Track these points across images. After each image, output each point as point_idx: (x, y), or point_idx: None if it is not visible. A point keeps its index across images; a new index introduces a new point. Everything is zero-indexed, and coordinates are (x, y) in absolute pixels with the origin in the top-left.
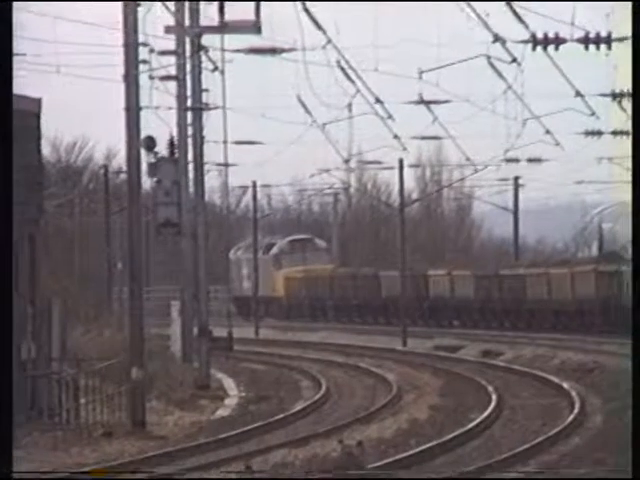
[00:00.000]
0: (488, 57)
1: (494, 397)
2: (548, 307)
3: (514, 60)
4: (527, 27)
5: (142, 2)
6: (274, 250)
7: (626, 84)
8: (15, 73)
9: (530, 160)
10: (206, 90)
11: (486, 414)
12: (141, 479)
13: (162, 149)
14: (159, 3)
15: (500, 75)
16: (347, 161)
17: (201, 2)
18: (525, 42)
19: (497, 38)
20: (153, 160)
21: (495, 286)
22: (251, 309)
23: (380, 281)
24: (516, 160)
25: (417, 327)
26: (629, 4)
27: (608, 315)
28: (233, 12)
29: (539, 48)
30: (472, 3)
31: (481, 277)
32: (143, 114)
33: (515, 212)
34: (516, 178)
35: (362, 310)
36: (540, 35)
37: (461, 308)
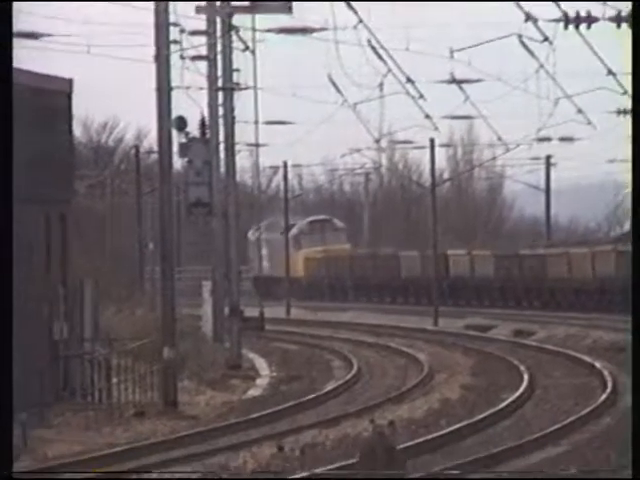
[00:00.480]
0: (520, 36)
1: (526, 377)
2: (569, 286)
3: (546, 39)
4: (559, 6)
5: None
6: (293, 231)
7: None
8: (46, 54)
9: (562, 139)
10: (237, 70)
11: (518, 394)
12: (142, 479)
13: (193, 129)
14: None
15: (532, 54)
16: (378, 141)
17: None
18: (557, 21)
19: (529, 17)
20: (184, 140)
21: (515, 266)
22: (270, 288)
23: (400, 261)
24: (548, 139)
25: (442, 306)
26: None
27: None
28: None
29: (571, 27)
30: None
31: (501, 257)
32: (174, 94)
33: (547, 191)
34: (548, 157)
35: (382, 290)
36: (572, 14)
37: (481, 287)
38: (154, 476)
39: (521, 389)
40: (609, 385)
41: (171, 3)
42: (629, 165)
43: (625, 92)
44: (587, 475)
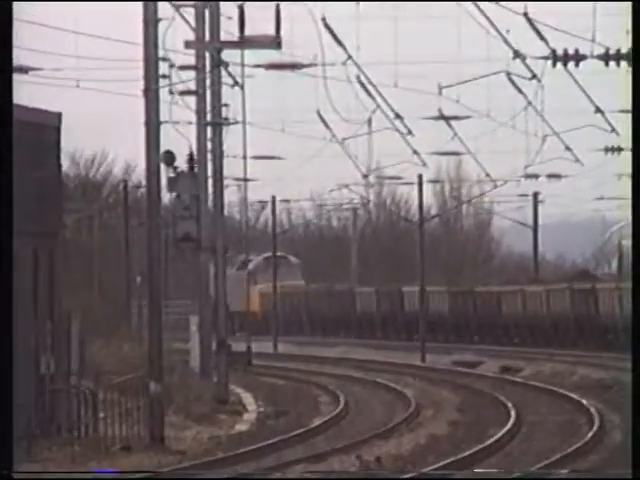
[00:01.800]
0: (508, 73)
1: (513, 413)
2: (522, 322)
3: (534, 76)
4: (547, 43)
5: (163, 18)
6: (250, 267)
7: None
8: (35, 87)
9: (550, 176)
10: (226, 105)
11: (505, 430)
12: (142, 479)
13: (182, 164)
14: (179, 18)
15: (520, 91)
16: (366, 176)
17: (221, 18)
18: (545, 58)
19: (517, 54)
20: (172, 174)
21: (470, 302)
22: (233, 323)
23: (355, 297)
24: (536, 176)
25: (396, 341)
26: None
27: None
28: (253, 27)
29: (559, 64)
30: (492, 19)
31: (455, 293)
32: (163, 129)
33: (534, 228)
34: (535, 194)
35: (337, 325)
36: (560, 51)
37: (435, 323)
38: (155, 476)
39: (508, 425)
40: (596, 422)
41: (160, 38)
42: (617, 202)
43: (613, 130)
44: (587, 475)
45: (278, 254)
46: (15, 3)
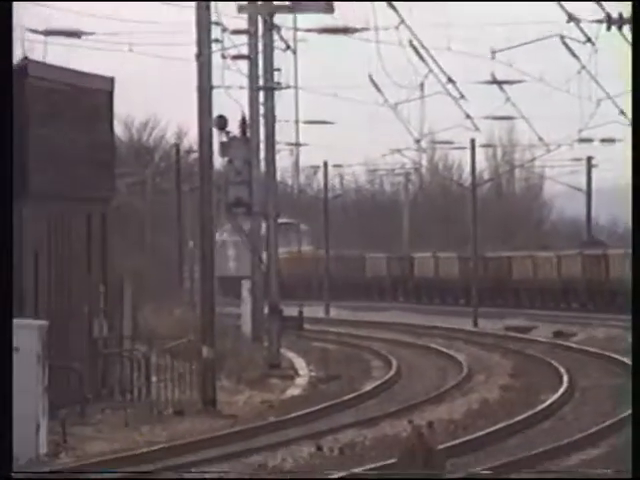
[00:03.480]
0: (562, 37)
1: (565, 378)
2: (532, 286)
3: (588, 40)
4: (602, 7)
5: None
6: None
7: None
8: (88, 52)
9: (604, 140)
10: (278, 69)
11: (557, 396)
12: (143, 479)
13: (234, 128)
14: None
15: (574, 55)
16: (419, 141)
17: None
18: (599, 22)
19: (571, 18)
20: (225, 139)
21: (480, 267)
22: (236, 287)
23: (365, 262)
24: (589, 140)
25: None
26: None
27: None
28: None
29: (614, 28)
30: None
31: (464, 259)
32: (215, 93)
33: (588, 193)
34: (589, 158)
35: (349, 289)
36: (615, 15)
37: (445, 288)
38: (160, 476)
39: (560, 391)
40: None
41: (213, 2)
42: None
43: None
44: (587, 475)
45: (288, 221)
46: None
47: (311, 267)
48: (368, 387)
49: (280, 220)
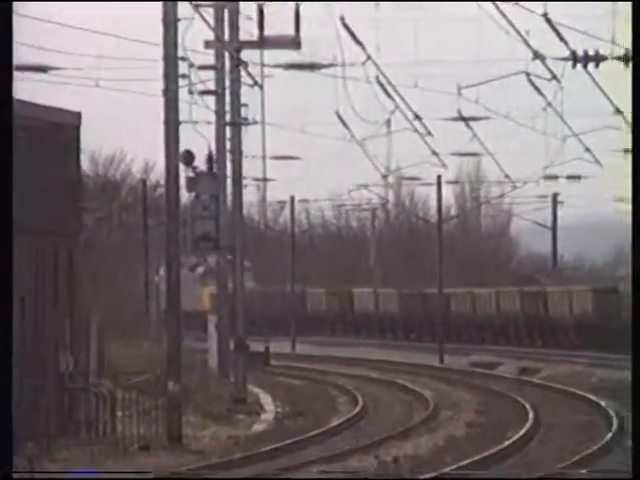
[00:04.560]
0: (528, 74)
1: (531, 415)
2: (472, 322)
3: (554, 77)
4: (567, 44)
5: (182, 18)
6: (200, 269)
7: None
8: (55, 87)
9: (569, 177)
10: (245, 105)
11: (523, 432)
12: (145, 479)
13: (201, 163)
14: (198, 18)
15: (540, 92)
16: (385, 177)
17: (240, 18)
18: (565, 59)
19: (537, 55)
20: (192, 174)
21: (418, 303)
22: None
23: (305, 297)
24: (555, 177)
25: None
26: (629, 4)
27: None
28: (272, 27)
29: (579, 66)
30: (512, 20)
31: (404, 295)
32: (182, 128)
33: (553, 229)
34: (555, 195)
35: (286, 324)
36: (580, 53)
37: (385, 323)
38: (157, 476)
39: (526, 427)
40: (614, 423)
41: (179, 37)
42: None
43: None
44: (587, 475)
45: (230, 257)
46: (19, 3)
47: (250, 303)
48: (334, 423)
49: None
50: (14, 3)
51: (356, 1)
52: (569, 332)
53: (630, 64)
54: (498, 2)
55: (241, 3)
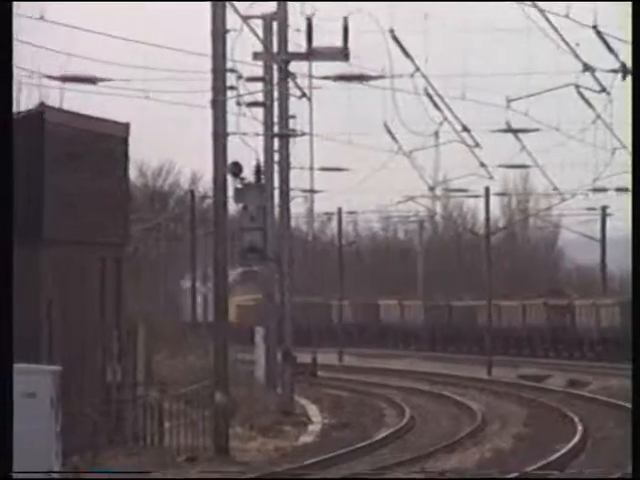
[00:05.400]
0: (577, 86)
1: (580, 428)
2: (498, 333)
3: (603, 89)
4: (617, 56)
5: (231, 29)
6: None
7: None
8: (104, 98)
9: (618, 189)
10: (293, 116)
11: (571, 445)
12: (142, 479)
13: (249, 175)
14: (247, 30)
15: (589, 104)
16: (433, 189)
17: (289, 29)
18: (615, 71)
19: (587, 67)
20: (239, 186)
21: (445, 314)
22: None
23: (332, 309)
24: (604, 189)
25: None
26: (629, 4)
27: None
28: (321, 39)
29: (629, 77)
30: (562, 32)
31: (430, 306)
32: (230, 140)
33: (602, 242)
34: (604, 207)
35: (313, 333)
36: (630, 64)
37: (410, 333)
38: (159, 476)
39: (574, 440)
40: None
41: (228, 49)
42: None
43: None
44: (588, 475)
45: (254, 268)
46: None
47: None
48: (381, 435)
49: (241, 268)
50: (54, 11)
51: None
52: (594, 344)
53: None
54: (548, 14)
55: (290, 16)
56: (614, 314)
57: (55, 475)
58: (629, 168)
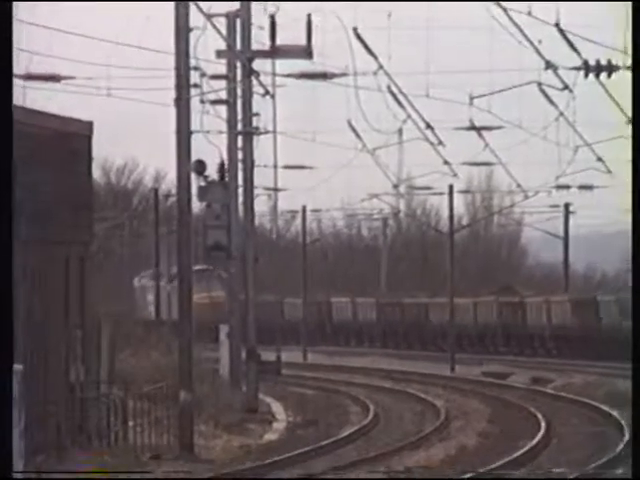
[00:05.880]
0: (540, 84)
1: (543, 424)
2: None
3: (566, 87)
4: (579, 54)
5: (194, 27)
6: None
7: None
8: (66, 96)
9: (581, 187)
10: (257, 114)
11: (534, 442)
12: (142, 479)
13: (212, 173)
14: (210, 28)
15: (552, 102)
16: (397, 186)
17: (252, 27)
18: (577, 69)
19: (549, 65)
20: (203, 184)
21: (397, 311)
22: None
23: (283, 307)
24: (567, 187)
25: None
26: (629, 4)
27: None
28: (284, 37)
29: (591, 75)
30: (524, 29)
31: (384, 304)
32: (194, 138)
33: (565, 239)
34: (567, 205)
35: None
36: (592, 62)
37: (363, 330)
38: (156, 476)
39: (538, 437)
40: (626, 433)
41: (191, 47)
42: None
43: None
44: (587, 475)
45: (207, 267)
46: (29, 12)
47: (220, 311)
48: (346, 432)
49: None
50: (22, 9)
51: (368, 0)
52: (545, 340)
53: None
54: (511, 11)
55: (253, 14)
56: (565, 311)
57: (56, 475)
58: (591, 165)
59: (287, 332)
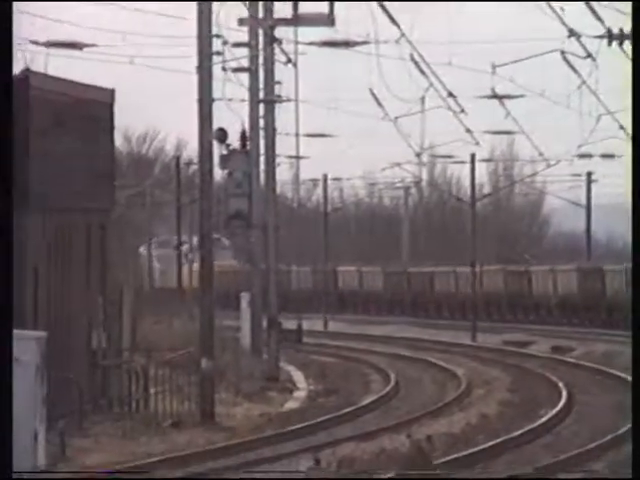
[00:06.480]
0: (563, 52)
1: (564, 393)
2: (454, 299)
3: (589, 55)
4: (603, 22)
5: None
6: (185, 247)
7: None
8: (88, 64)
9: (603, 156)
10: (278, 82)
11: (556, 410)
12: (142, 479)
13: (234, 141)
14: None
15: (575, 70)
16: (419, 155)
17: None
18: (600, 37)
19: (572, 33)
20: (225, 152)
21: (403, 280)
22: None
23: (291, 275)
24: (589, 155)
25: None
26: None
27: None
28: (306, 5)
29: (614, 43)
30: None
31: (389, 273)
32: (215, 106)
33: (588, 208)
34: (589, 173)
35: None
36: (616, 30)
37: (370, 300)
38: (154, 476)
39: (559, 405)
40: None
41: (214, 15)
42: None
43: None
44: (588, 475)
45: (217, 237)
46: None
47: (232, 280)
48: (366, 401)
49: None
50: None
51: None
52: (551, 308)
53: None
54: None
55: None
56: (571, 280)
57: (56, 475)
58: (614, 133)
59: (313, 301)
